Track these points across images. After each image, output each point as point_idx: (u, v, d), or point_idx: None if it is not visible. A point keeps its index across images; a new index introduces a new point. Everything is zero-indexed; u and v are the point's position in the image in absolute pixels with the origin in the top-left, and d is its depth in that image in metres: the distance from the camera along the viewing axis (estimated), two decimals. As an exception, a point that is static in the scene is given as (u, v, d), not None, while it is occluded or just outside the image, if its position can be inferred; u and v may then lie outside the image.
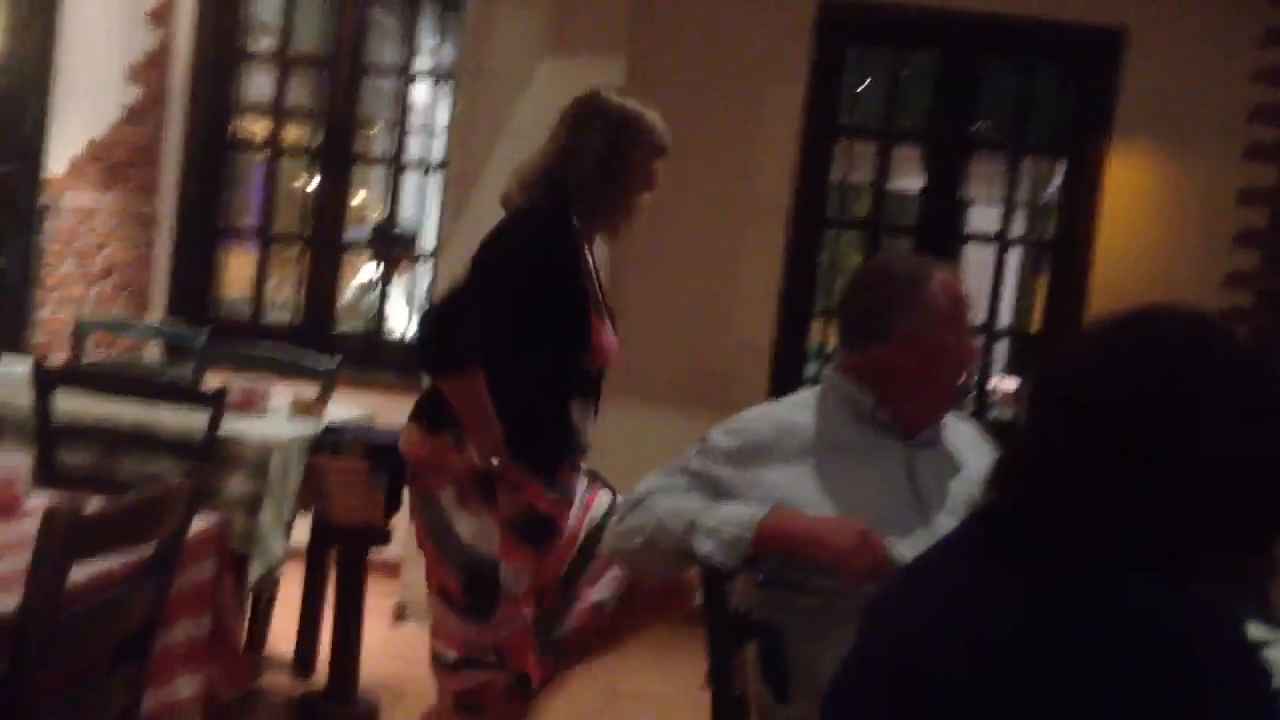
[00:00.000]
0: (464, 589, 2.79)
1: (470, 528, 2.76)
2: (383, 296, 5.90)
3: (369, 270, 6.21)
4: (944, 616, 1.30)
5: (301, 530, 3.99)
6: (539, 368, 2.79)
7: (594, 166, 2.79)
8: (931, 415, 2.25)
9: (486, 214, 4.72)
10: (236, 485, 3.44)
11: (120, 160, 5.33)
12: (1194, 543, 1.25)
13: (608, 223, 2.88)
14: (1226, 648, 1.20)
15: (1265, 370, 1.29)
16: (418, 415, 2.88)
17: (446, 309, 2.72)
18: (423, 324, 2.77)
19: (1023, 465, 1.33)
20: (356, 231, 7.70)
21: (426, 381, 2.90)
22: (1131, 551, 1.23)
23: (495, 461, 2.71)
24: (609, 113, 2.83)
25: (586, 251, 2.89)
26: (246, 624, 3.86)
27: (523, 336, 2.75)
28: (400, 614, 4.83)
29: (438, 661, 2.87)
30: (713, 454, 2.21)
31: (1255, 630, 2.29)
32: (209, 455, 3.34)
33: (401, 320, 6.29)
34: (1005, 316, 6.57)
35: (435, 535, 2.83)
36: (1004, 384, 6.85)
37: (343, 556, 3.83)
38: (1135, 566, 1.22)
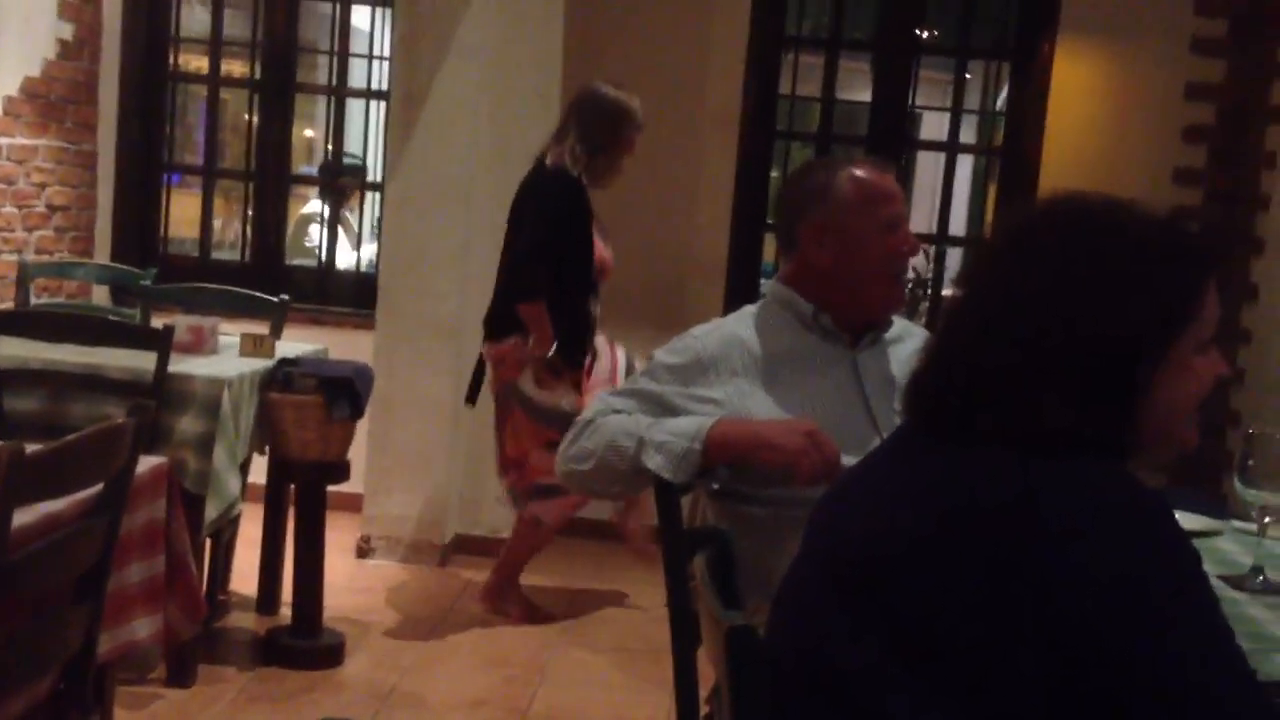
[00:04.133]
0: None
1: (553, 397, 4.01)
2: (332, 230, 5.82)
3: (314, 204, 6.09)
4: (878, 508, 1.31)
5: (261, 469, 3.97)
6: (571, 286, 4.01)
7: (594, 145, 4.00)
8: (869, 315, 2.24)
9: (433, 141, 4.72)
10: (188, 425, 3.40)
11: (57, 98, 5.22)
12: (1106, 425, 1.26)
13: (603, 180, 4.08)
14: (1154, 524, 1.21)
15: (1157, 240, 1.31)
16: (491, 330, 4.13)
17: (524, 255, 3.96)
18: (509, 269, 4.06)
19: (937, 356, 1.34)
20: (308, 168, 7.60)
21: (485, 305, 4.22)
22: (1051, 436, 1.24)
23: (550, 354, 4.00)
24: (604, 105, 4.02)
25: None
26: (208, 564, 3.84)
27: (563, 265, 3.96)
28: (364, 548, 4.82)
29: (538, 491, 4.08)
30: (658, 372, 2.20)
31: (1204, 521, 2.32)
32: (158, 395, 3.30)
33: (350, 254, 6.22)
34: (959, 226, 6.57)
35: (529, 410, 4.05)
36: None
37: (301, 493, 3.82)
38: (1057, 450, 1.23)
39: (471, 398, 4.32)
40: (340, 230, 6.06)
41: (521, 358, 4.01)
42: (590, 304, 4.13)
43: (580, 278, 4.06)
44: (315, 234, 6.05)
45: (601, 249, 4.15)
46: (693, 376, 2.18)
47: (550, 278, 3.94)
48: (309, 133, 8.21)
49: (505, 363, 4.07)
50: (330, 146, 5.82)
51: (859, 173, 2.20)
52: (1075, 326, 1.26)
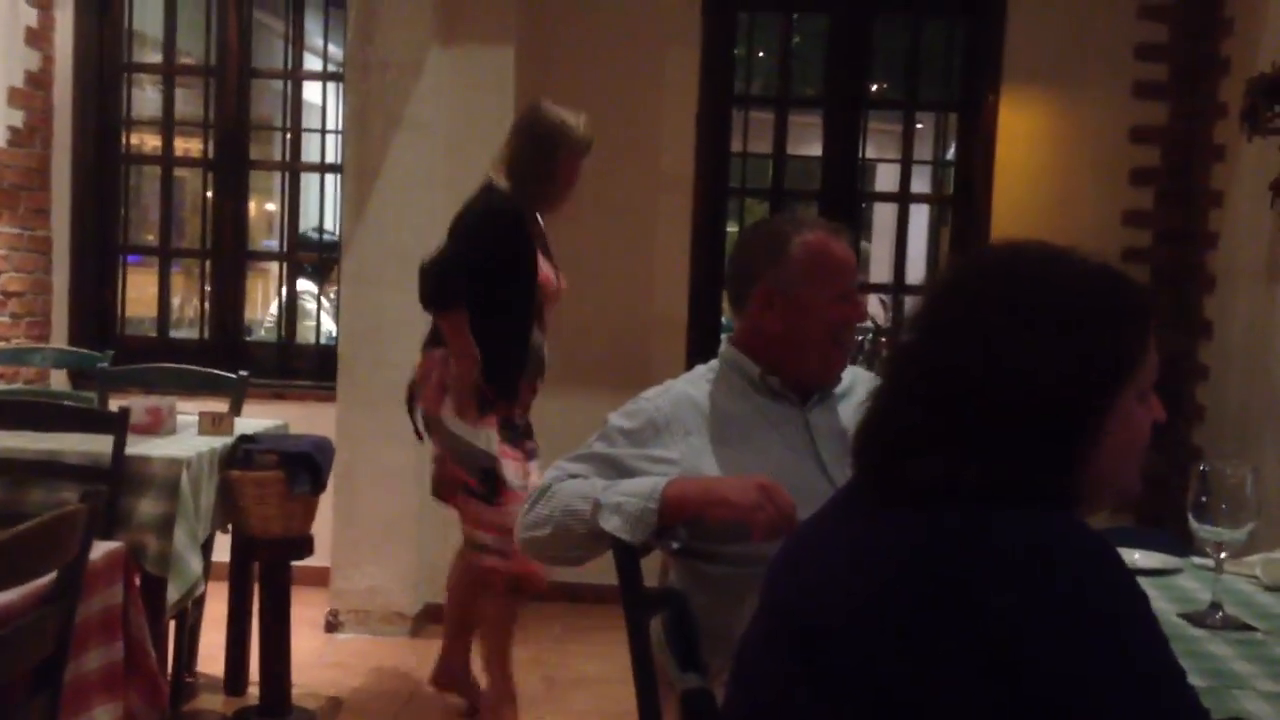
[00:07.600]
0: (479, 480, 3.68)
1: (472, 432, 3.66)
2: (291, 303, 5.80)
3: (304, 283, 6.04)
4: (826, 567, 1.31)
5: (224, 547, 3.93)
6: (506, 306, 3.69)
7: (525, 168, 3.72)
8: (815, 378, 2.25)
9: (388, 214, 4.73)
10: (147, 507, 3.37)
11: (10, 184, 5.20)
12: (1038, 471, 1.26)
13: (546, 202, 3.81)
14: (1102, 570, 1.20)
15: (1078, 287, 1.31)
16: (423, 348, 3.83)
17: (439, 264, 3.68)
18: (422, 274, 3.71)
19: (879, 415, 1.34)
20: (270, 242, 7.57)
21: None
22: (994, 488, 1.24)
23: (477, 378, 3.65)
24: (538, 128, 3.75)
25: (536, 218, 3.82)
26: (173, 646, 3.79)
27: (494, 284, 3.65)
28: (333, 623, 4.77)
29: (473, 544, 3.78)
30: (612, 436, 2.20)
31: (1164, 559, 2.33)
32: (116, 479, 3.27)
33: (314, 327, 6.18)
34: (916, 274, 6.62)
35: (449, 445, 3.72)
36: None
37: (265, 570, 3.78)
38: (1003, 502, 1.23)
39: (419, 430, 3.95)
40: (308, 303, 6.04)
41: (443, 380, 3.69)
42: (535, 330, 3.79)
43: (513, 298, 3.72)
44: (312, 312, 6.02)
45: (547, 270, 3.82)
46: (647, 438, 2.18)
47: (472, 293, 3.63)
48: (270, 206, 8.20)
49: (428, 381, 3.73)
50: (287, 221, 5.81)
51: (813, 239, 2.20)
52: (1022, 380, 1.25)
